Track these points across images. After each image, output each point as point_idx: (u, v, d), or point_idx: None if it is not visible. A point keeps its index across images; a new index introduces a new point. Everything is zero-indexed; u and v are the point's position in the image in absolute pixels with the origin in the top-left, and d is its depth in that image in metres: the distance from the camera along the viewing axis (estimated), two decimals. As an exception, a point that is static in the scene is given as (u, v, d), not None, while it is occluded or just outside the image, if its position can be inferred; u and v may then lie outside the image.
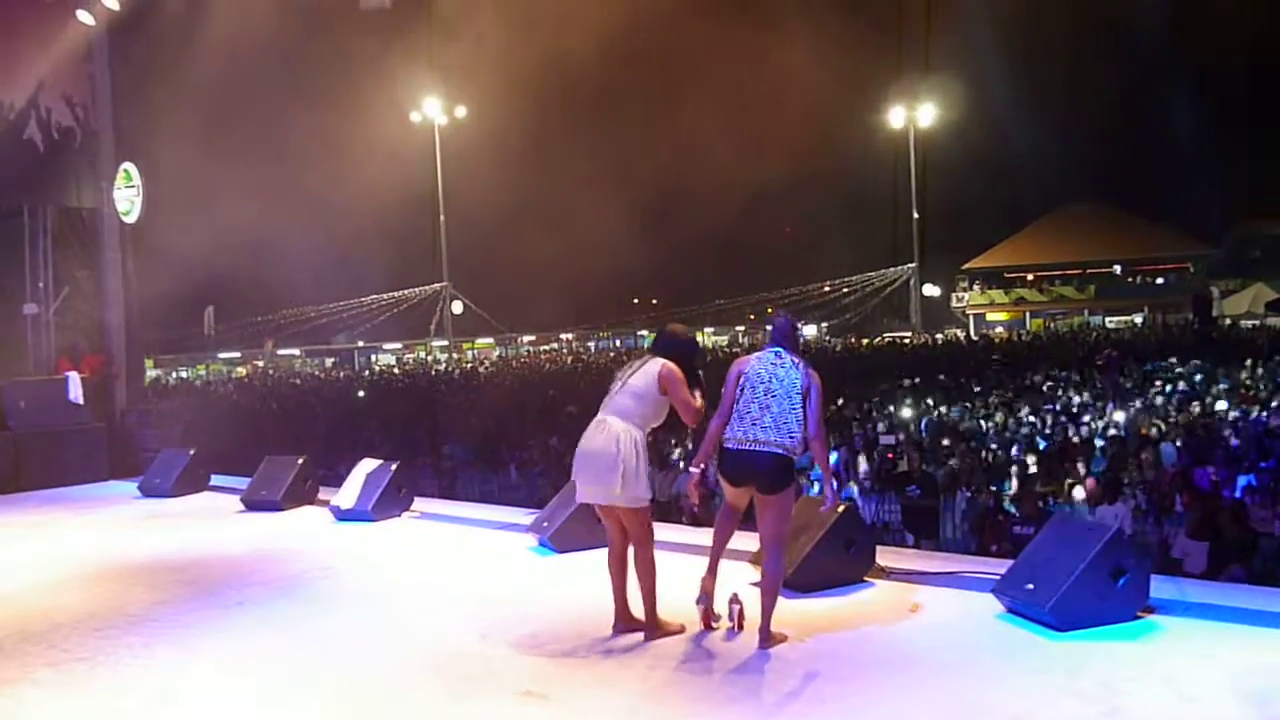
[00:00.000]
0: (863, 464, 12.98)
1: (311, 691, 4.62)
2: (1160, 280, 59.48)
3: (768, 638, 4.93)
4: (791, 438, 4.89)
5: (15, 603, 6.44)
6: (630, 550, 5.19)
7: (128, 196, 12.91)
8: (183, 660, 5.14)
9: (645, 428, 5.16)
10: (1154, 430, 14.37)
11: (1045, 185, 60.72)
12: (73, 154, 12.99)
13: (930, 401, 19.42)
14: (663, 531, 6.52)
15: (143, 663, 5.12)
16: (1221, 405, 17.07)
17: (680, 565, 5.81)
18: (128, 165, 12.92)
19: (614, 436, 5.07)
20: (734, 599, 5.24)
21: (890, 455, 13.05)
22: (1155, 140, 54.09)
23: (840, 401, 18.64)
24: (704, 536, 6.42)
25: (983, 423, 16.54)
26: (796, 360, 5.06)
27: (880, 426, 15.51)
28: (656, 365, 5.19)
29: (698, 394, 5.21)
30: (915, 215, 54.56)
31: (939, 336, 49.46)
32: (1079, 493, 10.32)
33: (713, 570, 5.26)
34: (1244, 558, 7.93)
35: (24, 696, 4.68)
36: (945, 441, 14.06)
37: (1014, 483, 11.61)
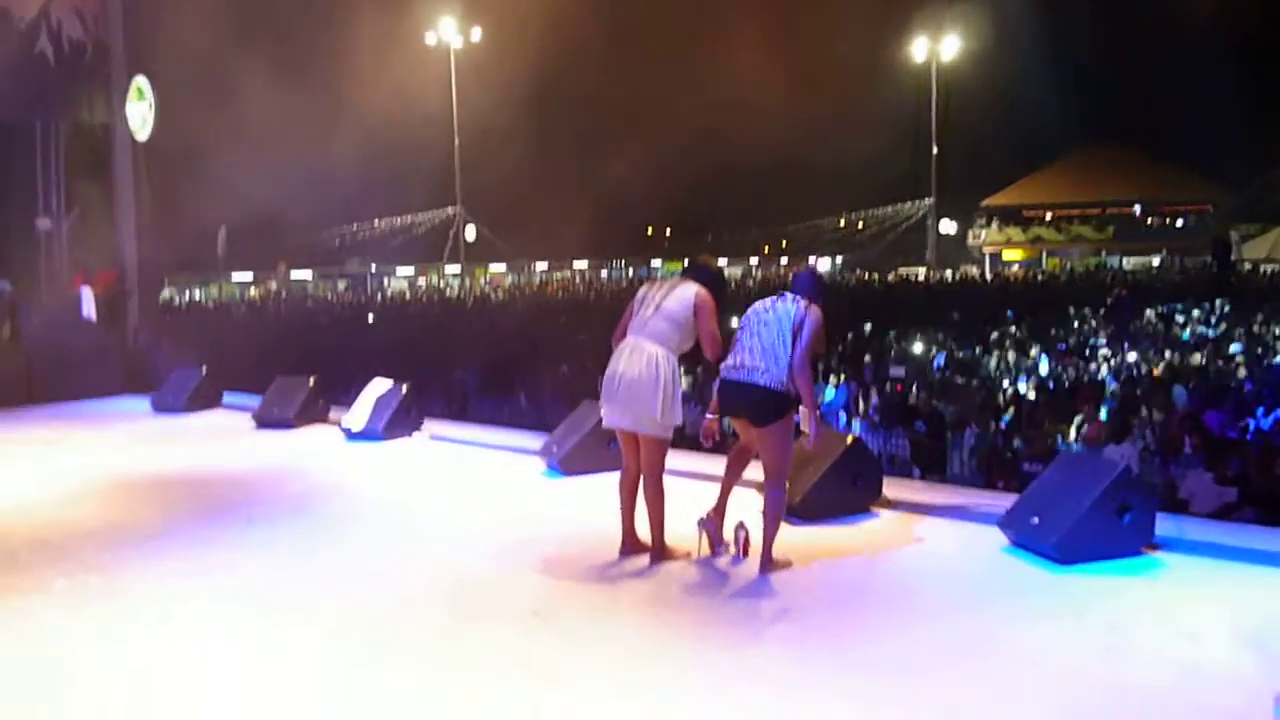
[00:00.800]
0: (874, 398, 12.98)
1: (319, 609, 4.68)
2: (1180, 222, 58.77)
3: (769, 564, 4.97)
4: (779, 365, 4.88)
5: (30, 514, 6.53)
6: (642, 478, 5.19)
7: (140, 112, 12.82)
8: (194, 574, 5.20)
9: (677, 353, 5.11)
10: (1166, 372, 14.31)
11: (1067, 123, 59.80)
12: (84, 68, 12.86)
13: (942, 338, 19.36)
14: (674, 459, 6.56)
15: (155, 575, 5.19)
16: (1235, 348, 17.00)
17: (691, 491, 5.83)
18: (140, 80, 12.81)
19: (652, 362, 5.01)
20: (740, 526, 5.28)
21: (899, 388, 13.03)
22: (1180, 81, 53.02)
23: (850, 337, 18.61)
24: (715, 464, 6.45)
25: (994, 361, 16.50)
26: (800, 300, 5.05)
27: (891, 361, 15.49)
28: (691, 290, 5.13)
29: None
30: (935, 150, 53.88)
31: (948, 274, 49.16)
32: (1091, 431, 10.31)
33: (722, 499, 5.31)
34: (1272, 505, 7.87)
35: (37, 607, 4.75)
36: (958, 379, 14.05)
37: (1023, 421, 11.61)
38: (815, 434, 5.12)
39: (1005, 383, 14.13)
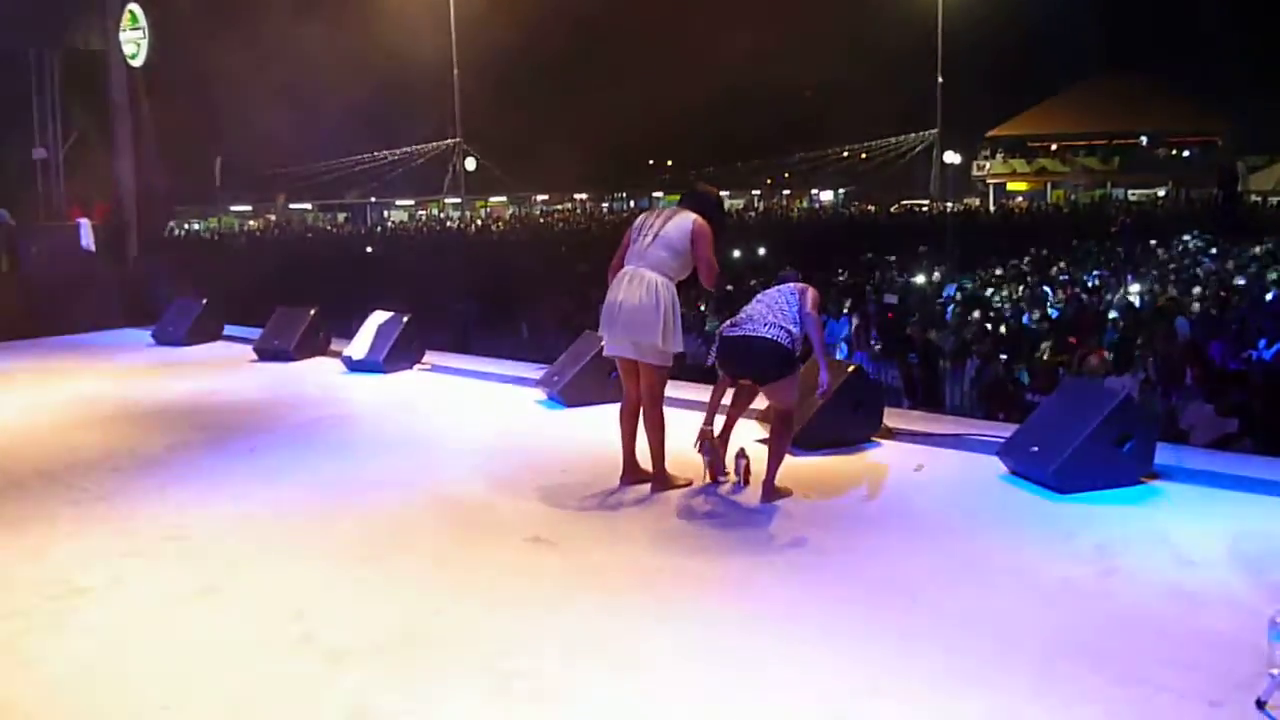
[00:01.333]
0: (873, 330, 12.95)
1: (320, 535, 4.71)
2: (1186, 154, 58.20)
3: (770, 493, 5.00)
4: (782, 319, 4.96)
5: (34, 443, 6.56)
6: (642, 406, 5.20)
7: (133, 39, 12.61)
8: (198, 500, 5.24)
9: (676, 280, 5.09)
10: (1168, 303, 14.27)
11: (1075, 54, 58.94)
12: (75, -6, 12.65)
13: (943, 269, 19.29)
14: (678, 389, 6.57)
15: (159, 501, 5.23)
16: (1239, 281, 16.94)
17: (694, 422, 5.83)
18: (133, 6, 12.58)
19: (652, 289, 4.99)
20: (740, 454, 5.30)
21: (890, 315, 12.98)
22: (1189, 10, 52.08)
23: (844, 274, 18.52)
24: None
25: (994, 292, 16.45)
26: (793, 289, 5.18)
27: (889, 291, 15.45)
28: (689, 219, 5.10)
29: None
30: (940, 80, 53.15)
31: (949, 206, 48.85)
32: (1093, 361, 10.30)
33: (727, 428, 5.37)
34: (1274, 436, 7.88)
35: (43, 531, 4.79)
36: (958, 310, 14.00)
37: (1026, 352, 11.60)
38: (827, 384, 5.16)
39: (1007, 313, 14.09)
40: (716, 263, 5.15)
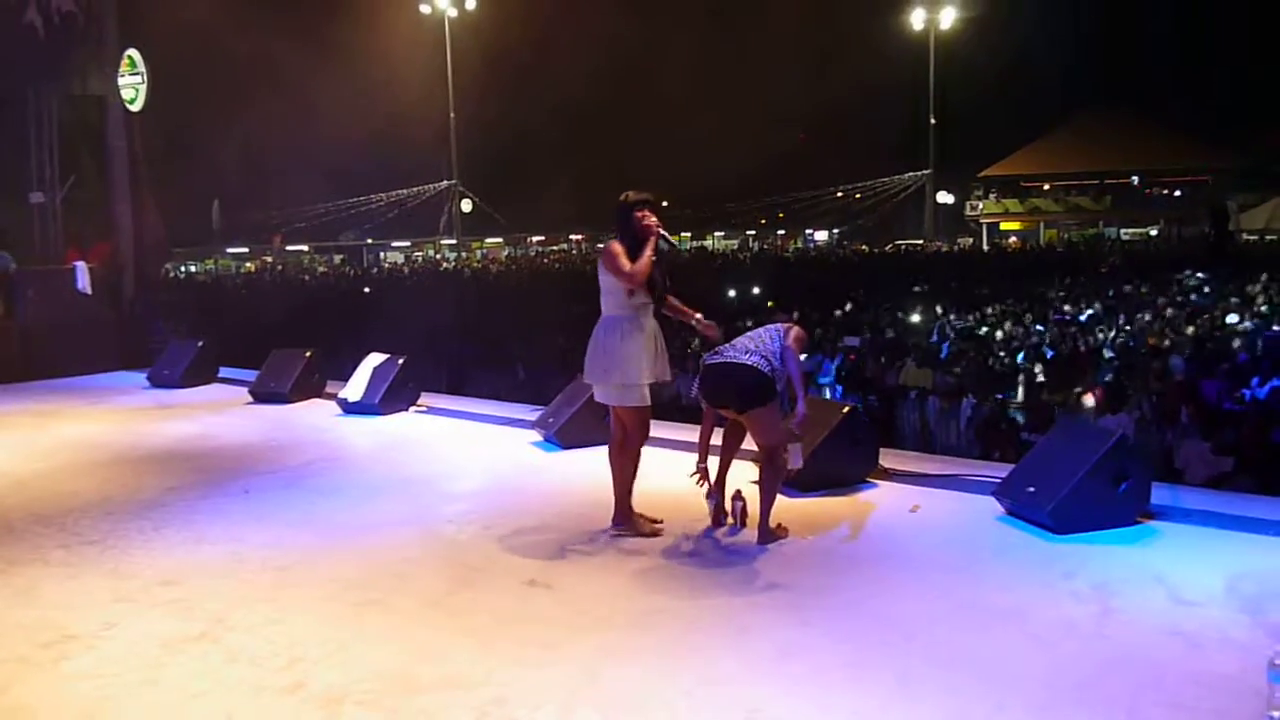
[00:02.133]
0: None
1: (315, 578, 4.69)
2: (1178, 192, 58.59)
3: (765, 534, 5.00)
4: (764, 349, 5.02)
5: (28, 487, 6.53)
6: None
7: (132, 84, 12.72)
8: (192, 544, 5.22)
9: (633, 312, 5.02)
10: (1162, 342, 14.31)
11: (1066, 92, 59.57)
12: (75, 40, 12.74)
13: (939, 309, 19.34)
14: (669, 430, 6.57)
15: (152, 546, 5.20)
16: (1232, 318, 17.00)
17: (685, 461, 5.83)
18: (132, 51, 12.70)
19: (596, 333, 5.08)
20: (737, 495, 5.29)
21: (852, 357, 13.00)
22: (1179, 47, 52.69)
23: (849, 307, 18.60)
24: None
25: (991, 331, 16.49)
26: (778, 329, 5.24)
27: (888, 331, 15.47)
28: (604, 249, 5.17)
29: (647, 251, 4.99)
30: (932, 121, 53.61)
31: (938, 245, 49.08)
32: (1089, 401, 10.31)
33: (721, 473, 5.35)
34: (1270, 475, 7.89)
35: (36, 576, 4.77)
36: (953, 349, 14.02)
37: (1020, 391, 11.61)
38: (802, 417, 5.08)
39: (1003, 354, 14.12)
40: (628, 267, 4.96)
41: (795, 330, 5.20)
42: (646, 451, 5.24)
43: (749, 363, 4.94)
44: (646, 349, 5.00)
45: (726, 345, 5.15)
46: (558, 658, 3.74)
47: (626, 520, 5.19)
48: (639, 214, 5.05)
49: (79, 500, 6.10)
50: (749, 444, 5.36)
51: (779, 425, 5.06)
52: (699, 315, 5.28)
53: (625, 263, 4.95)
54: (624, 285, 4.96)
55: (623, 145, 48.57)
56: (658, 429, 5.48)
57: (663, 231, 5.07)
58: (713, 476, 5.31)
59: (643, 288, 5.00)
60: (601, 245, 5.21)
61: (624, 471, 5.17)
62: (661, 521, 5.27)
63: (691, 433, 6.47)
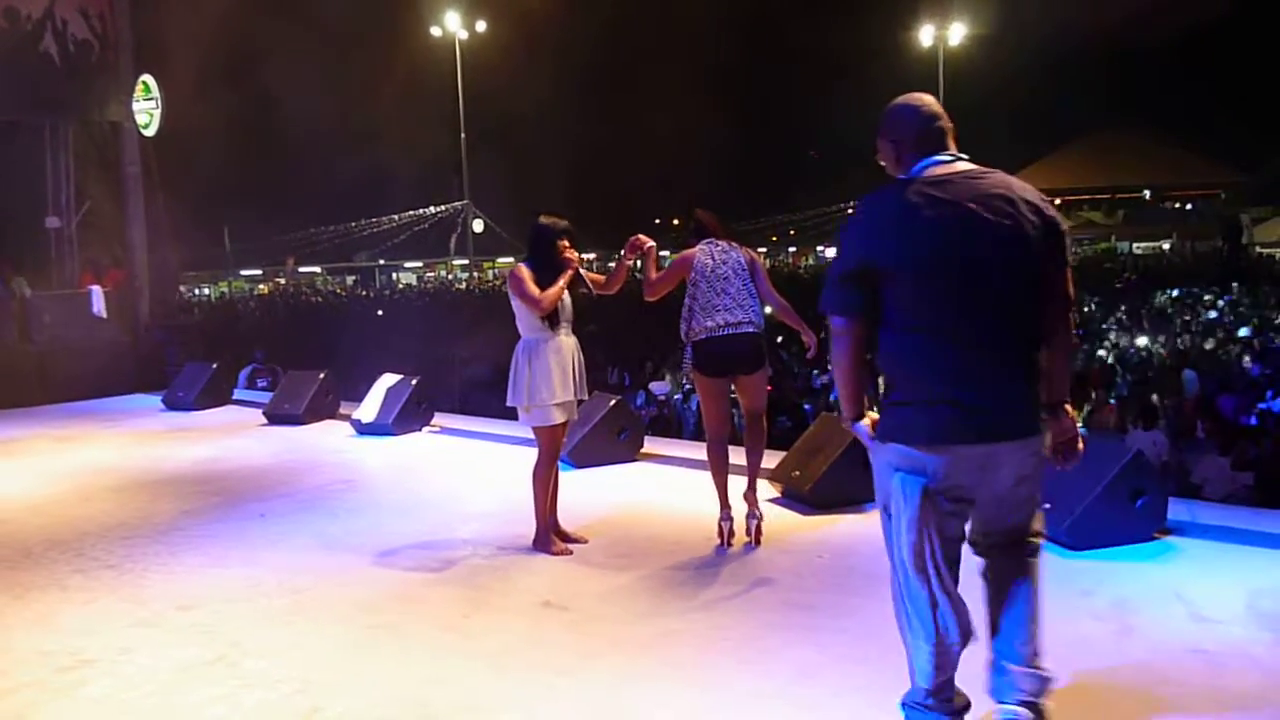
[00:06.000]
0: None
1: (330, 601, 4.69)
2: (1190, 206, 58.49)
3: (755, 502, 5.17)
4: (755, 312, 5.06)
5: (44, 512, 6.56)
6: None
7: (146, 109, 12.84)
8: (208, 568, 5.23)
9: (544, 334, 5.07)
10: (1176, 357, 14.26)
11: (1077, 108, 59.60)
12: (90, 67, 12.87)
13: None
14: (676, 449, 6.57)
15: (168, 570, 5.21)
16: (1244, 332, 16.93)
17: (697, 480, 5.82)
18: (146, 77, 12.83)
19: (518, 350, 5.14)
20: (750, 513, 5.26)
21: (770, 388, 12.98)
22: (1189, 63, 52.72)
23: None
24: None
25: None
26: (733, 243, 5.22)
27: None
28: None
29: (560, 283, 5.06)
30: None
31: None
32: (1106, 417, 10.26)
33: (723, 495, 5.27)
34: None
35: (53, 601, 4.78)
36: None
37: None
38: (813, 342, 5.17)
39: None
40: (533, 293, 5.00)
41: (760, 266, 5.19)
42: (659, 469, 5.26)
43: (751, 331, 5.01)
44: (555, 369, 5.06)
45: (717, 308, 5.03)
46: (574, 682, 3.73)
47: (541, 541, 5.23)
48: (561, 243, 5.13)
49: (95, 524, 6.12)
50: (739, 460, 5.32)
51: (765, 387, 5.18)
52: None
53: (533, 289, 5.02)
54: (530, 309, 5.04)
55: (633, 163, 48.69)
56: (673, 447, 5.49)
57: (581, 270, 5.16)
58: (718, 496, 5.28)
59: (537, 310, 5.06)
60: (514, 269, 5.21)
61: (537, 491, 5.22)
62: (584, 541, 5.31)
63: (702, 450, 6.47)
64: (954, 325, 2.76)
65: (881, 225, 2.82)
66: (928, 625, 2.85)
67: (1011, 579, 3.02)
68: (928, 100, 2.99)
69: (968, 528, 3.03)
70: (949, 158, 2.89)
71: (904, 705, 3.03)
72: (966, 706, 3.00)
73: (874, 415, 3.04)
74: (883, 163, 3.05)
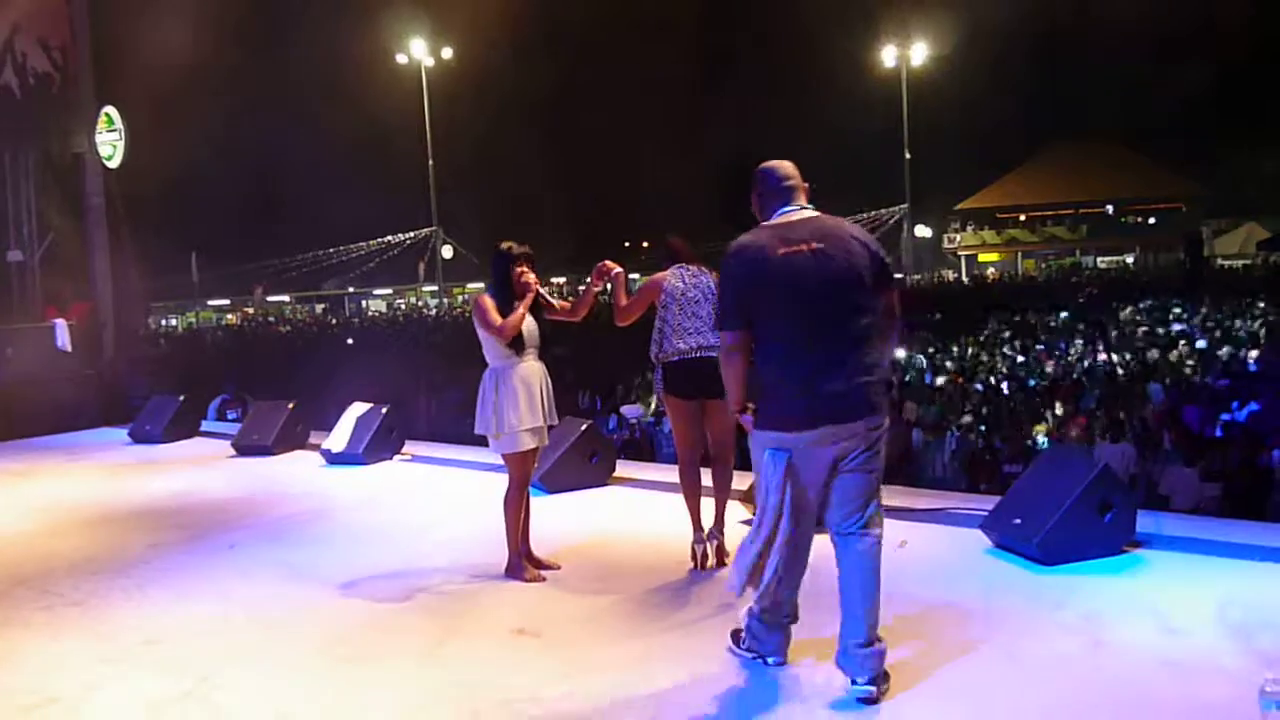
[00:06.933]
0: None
1: (301, 633, 4.64)
2: (1152, 220, 59.26)
3: (722, 532, 5.17)
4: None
5: (8, 548, 6.46)
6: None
7: (109, 140, 12.76)
8: (176, 602, 5.16)
9: (509, 361, 5.09)
10: (1140, 369, 14.43)
11: (1037, 123, 60.36)
12: (51, 99, 12.77)
13: (923, 342, 19.46)
14: (651, 472, 6.57)
15: (135, 604, 5.15)
16: (1202, 344, 17.16)
17: (669, 502, 5.82)
18: (109, 109, 12.75)
19: (485, 378, 5.14)
20: (711, 535, 5.26)
21: None
22: (1152, 76, 53.51)
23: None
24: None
25: (974, 361, 16.58)
26: (702, 268, 5.26)
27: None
28: None
29: (520, 309, 5.08)
30: (907, 156, 54.15)
31: (916, 278, 49.42)
32: (1075, 431, 10.37)
33: (696, 518, 5.27)
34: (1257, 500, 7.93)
35: (17, 639, 4.71)
36: (939, 380, 14.09)
37: (1002, 421, 11.66)
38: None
39: (977, 384, 14.20)
40: (496, 320, 5.04)
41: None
42: (632, 493, 5.25)
43: (714, 357, 4.98)
44: (523, 394, 5.07)
45: (689, 331, 5.07)
46: (549, 711, 3.71)
47: (514, 568, 5.22)
48: (518, 269, 5.14)
49: (61, 560, 6.04)
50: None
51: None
52: None
53: (495, 317, 5.05)
54: (495, 336, 5.05)
55: (605, 187, 48.81)
56: (646, 471, 5.48)
57: (541, 290, 5.18)
58: (691, 519, 5.28)
59: (500, 337, 5.07)
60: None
61: (509, 518, 5.20)
62: (557, 567, 5.30)
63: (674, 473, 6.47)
64: (805, 337, 3.57)
65: (749, 269, 3.65)
66: (771, 563, 3.68)
67: (854, 563, 3.67)
68: (785, 165, 3.86)
69: (829, 518, 3.70)
70: (796, 208, 3.78)
71: (745, 614, 3.93)
72: (794, 620, 3.91)
73: (752, 407, 3.74)
74: (754, 210, 3.90)
